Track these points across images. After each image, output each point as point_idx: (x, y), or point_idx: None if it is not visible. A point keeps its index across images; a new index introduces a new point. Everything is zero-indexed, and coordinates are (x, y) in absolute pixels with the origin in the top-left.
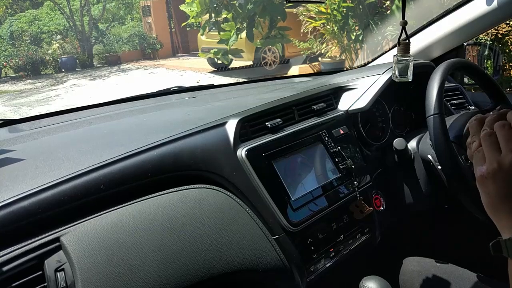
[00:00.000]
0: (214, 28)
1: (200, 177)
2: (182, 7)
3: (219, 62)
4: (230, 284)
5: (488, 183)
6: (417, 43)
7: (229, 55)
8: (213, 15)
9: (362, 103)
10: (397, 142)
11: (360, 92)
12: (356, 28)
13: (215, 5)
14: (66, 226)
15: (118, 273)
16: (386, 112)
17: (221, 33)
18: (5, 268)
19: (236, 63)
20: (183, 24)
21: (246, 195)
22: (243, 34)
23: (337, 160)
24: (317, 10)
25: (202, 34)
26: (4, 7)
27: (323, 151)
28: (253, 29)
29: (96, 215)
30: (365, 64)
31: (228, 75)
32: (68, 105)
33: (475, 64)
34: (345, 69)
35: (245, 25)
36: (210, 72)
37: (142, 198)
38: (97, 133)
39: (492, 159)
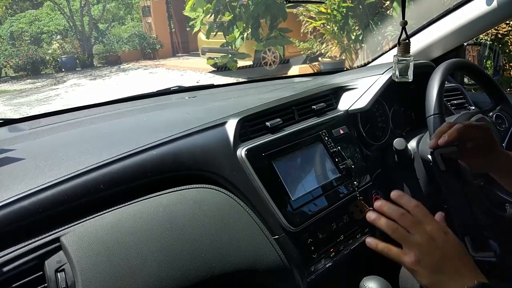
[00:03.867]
0: (218, 30)
1: (200, 177)
2: (186, 12)
3: (222, 64)
4: (230, 284)
5: (420, 266)
6: (417, 43)
7: (236, 59)
8: (217, 17)
9: (362, 103)
10: (397, 142)
11: (360, 92)
12: (356, 28)
13: (217, 9)
14: (66, 226)
15: (118, 273)
16: (386, 112)
17: (226, 36)
18: (5, 269)
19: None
20: (190, 29)
21: (246, 195)
22: (246, 36)
23: (337, 160)
24: (317, 10)
25: (207, 38)
26: (4, 7)
27: (323, 151)
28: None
29: (96, 215)
30: (365, 64)
31: (228, 75)
32: (68, 105)
33: (475, 64)
34: (345, 69)
35: (249, 26)
36: (210, 72)
37: (142, 198)
38: (97, 132)
39: (411, 247)
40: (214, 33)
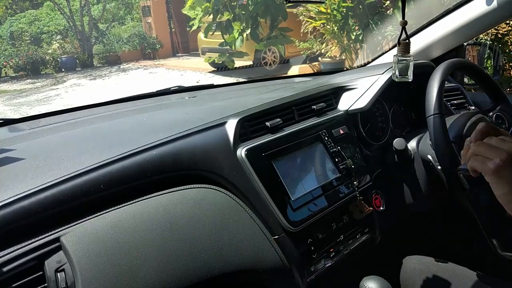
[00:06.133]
0: (215, 29)
1: (200, 177)
2: (185, 11)
3: (220, 62)
4: (230, 284)
5: (505, 172)
6: (417, 43)
7: (234, 58)
8: (217, 17)
9: (362, 103)
10: (397, 142)
11: (360, 92)
12: (356, 28)
13: (216, 8)
14: (66, 226)
15: (118, 273)
16: (386, 112)
17: (225, 36)
18: (5, 269)
19: (236, 63)
20: (189, 29)
21: (246, 195)
22: (245, 35)
23: (337, 160)
24: (317, 10)
25: (205, 36)
26: (4, 7)
27: (323, 151)
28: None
29: (96, 215)
30: (365, 64)
31: (228, 75)
32: (68, 105)
33: (475, 64)
34: (345, 69)
35: (249, 25)
36: (210, 72)
37: (142, 198)
38: (97, 132)
39: (499, 152)
40: (212, 32)
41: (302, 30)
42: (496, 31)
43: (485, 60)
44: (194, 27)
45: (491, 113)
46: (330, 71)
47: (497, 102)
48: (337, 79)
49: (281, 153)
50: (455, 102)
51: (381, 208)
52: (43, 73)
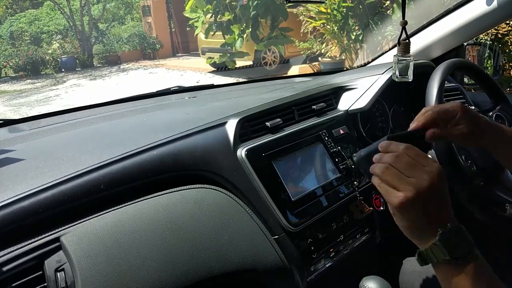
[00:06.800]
0: (216, 30)
1: (200, 177)
2: (186, 13)
3: (220, 62)
4: (230, 284)
5: (408, 208)
6: (417, 43)
7: (234, 58)
8: (217, 17)
9: (362, 103)
10: None
11: (360, 92)
12: (356, 28)
13: (217, 9)
14: (66, 226)
15: (118, 273)
16: (386, 112)
17: (226, 36)
18: (5, 268)
19: (236, 63)
20: (189, 28)
21: (246, 195)
22: (246, 36)
23: (337, 160)
24: (317, 10)
25: (206, 37)
26: (4, 7)
27: (323, 151)
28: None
29: (96, 215)
30: (365, 64)
31: (228, 75)
32: (68, 105)
33: (475, 64)
34: (345, 69)
35: (249, 26)
36: (210, 72)
37: (142, 198)
38: (97, 133)
39: (405, 185)
40: (212, 32)
41: (302, 30)
42: (496, 31)
43: (485, 60)
44: (197, 31)
45: (491, 113)
46: (330, 71)
47: (497, 102)
48: (337, 79)
49: (281, 153)
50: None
51: (381, 208)
52: (43, 73)
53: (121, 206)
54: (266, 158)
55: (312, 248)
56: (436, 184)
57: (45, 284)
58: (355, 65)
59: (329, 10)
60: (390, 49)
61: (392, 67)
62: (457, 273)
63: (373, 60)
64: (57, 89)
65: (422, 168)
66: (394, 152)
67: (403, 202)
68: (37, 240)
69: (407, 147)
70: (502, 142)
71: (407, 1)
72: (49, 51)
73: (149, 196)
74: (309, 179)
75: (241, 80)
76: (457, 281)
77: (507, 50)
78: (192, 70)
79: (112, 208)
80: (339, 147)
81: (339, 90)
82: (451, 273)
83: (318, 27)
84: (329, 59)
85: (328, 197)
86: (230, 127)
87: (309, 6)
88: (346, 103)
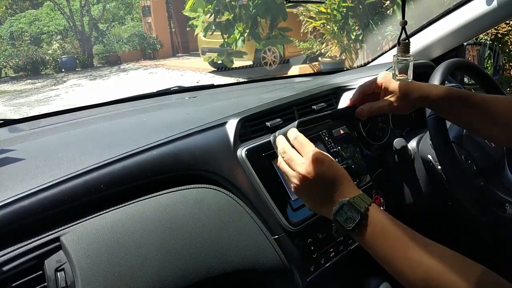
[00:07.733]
0: (215, 29)
1: (200, 177)
2: (186, 12)
3: (220, 62)
4: (230, 284)
5: (302, 193)
6: (417, 43)
7: (234, 58)
8: (217, 17)
9: None
10: (397, 142)
11: None
12: (356, 28)
13: (217, 9)
14: (66, 226)
15: (118, 273)
16: None
17: (225, 35)
18: (5, 268)
19: (236, 63)
20: (189, 28)
21: (246, 195)
22: (246, 35)
23: (337, 160)
24: (317, 10)
25: (205, 36)
26: (4, 7)
27: (323, 151)
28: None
29: (96, 215)
30: (365, 64)
31: (228, 75)
32: (68, 105)
33: (475, 64)
34: (345, 69)
35: (249, 25)
36: (210, 72)
37: (142, 198)
38: (97, 133)
39: (295, 174)
40: (212, 32)
41: (302, 30)
42: (496, 31)
43: (485, 60)
44: (197, 31)
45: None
46: (330, 71)
47: None
48: (337, 79)
49: None
50: None
51: (381, 208)
52: (43, 74)
53: (121, 206)
54: (266, 158)
55: (312, 248)
56: (311, 172)
57: (45, 284)
58: (355, 65)
59: (329, 10)
60: (390, 49)
61: (392, 67)
62: (366, 237)
63: (373, 60)
64: (57, 89)
65: (300, 160)
66: (282, 146)
67: (295, 191)
68: (37, 240)
69: (294, 138)
70: (453, 107)
71: (407, 1)
72: (49, 51)
73: (149, 196)
74: None
75: (241, 80)
76: (371, 244)
77: (507, 50)
78: (192, 70)
79: (112, 208)
80: (339, 147)
81: (339, 90)
82: (362, 239)
83: (318, 27)
84: (329, 59)
85: None
86: (230, 127)
87: (309, 6)
88: (346, 103)
